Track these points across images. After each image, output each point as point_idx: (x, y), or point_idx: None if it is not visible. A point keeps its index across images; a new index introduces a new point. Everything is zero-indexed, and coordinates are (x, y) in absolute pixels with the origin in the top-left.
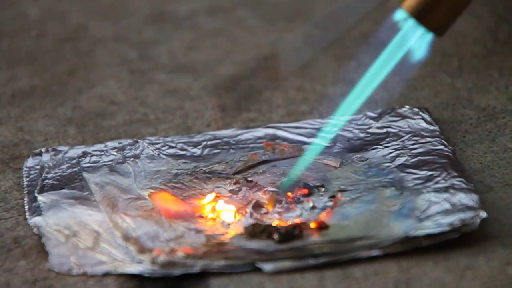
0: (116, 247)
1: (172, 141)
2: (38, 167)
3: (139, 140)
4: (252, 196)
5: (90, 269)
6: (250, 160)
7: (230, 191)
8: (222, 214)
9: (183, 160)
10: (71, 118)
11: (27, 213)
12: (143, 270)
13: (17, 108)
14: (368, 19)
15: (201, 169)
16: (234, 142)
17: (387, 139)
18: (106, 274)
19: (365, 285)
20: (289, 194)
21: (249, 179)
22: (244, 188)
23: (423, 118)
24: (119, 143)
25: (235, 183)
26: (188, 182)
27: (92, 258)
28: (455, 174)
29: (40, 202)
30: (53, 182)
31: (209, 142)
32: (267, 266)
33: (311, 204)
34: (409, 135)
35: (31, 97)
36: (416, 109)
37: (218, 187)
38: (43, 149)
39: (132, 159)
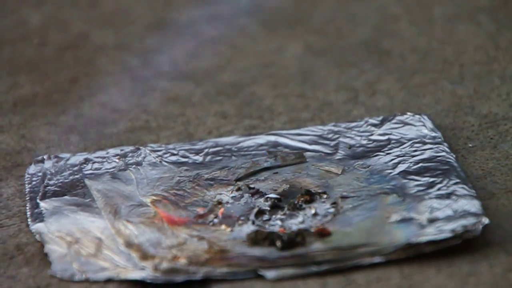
0: (119, 253)
1: (174, 148)
2: (40, 174)
3: (141, 147)
4: (254, 203)
5: (92, 275)
6: (252, 167)
7: (232, 198)
8: (224, 221)
9: (185, 167)
10: (73, 125)
11: (29, 220)
12: (145, 277)
13: (19, 116)
14: (368, 25)
15: (203, 176)
16: (236, 149)
17: (389, 146)
18: (109, 281)
19: None
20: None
21: (251, 186)
22: (246, 195)
23: (424, 125)
24: (121, 150)
25: (237, 190)
26: (190, 189)
27: (95, 264)
28: (457, 180)
29: (42, 209)
30: (55, 188)
31: (211, 149)
32: (270, 273)
33: (313, 211)
34: (411, 142)
35: (33, 105)
36: (417, 116)
37: (220, 194)
38: (45, 156)
39: (134, 166)
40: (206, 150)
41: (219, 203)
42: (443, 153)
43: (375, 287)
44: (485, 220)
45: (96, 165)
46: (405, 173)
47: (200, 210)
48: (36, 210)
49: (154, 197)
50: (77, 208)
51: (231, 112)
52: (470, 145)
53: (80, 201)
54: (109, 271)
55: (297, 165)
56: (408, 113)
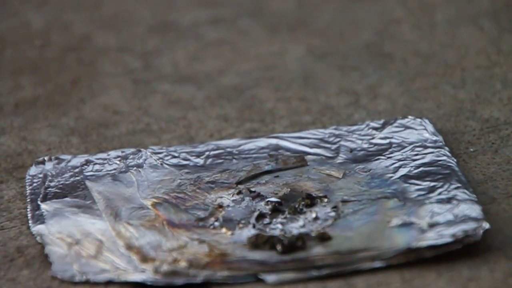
0: (119, 256)
1: (175, 151)
2: (41, 175)
3: (142, 150)
4: (255, 207)
5: (93, 276)
6: (253, 170)
7: (233, 201)
8: (225, 224)
9: (186, 170)
10: (74, 128)
11: (30, 221)
12: (145, 279)
13: (20, 117)
14: (370, 29)
15: (204, 179)
16: (237, 152)
17: (390, 150)
18: (109, 283)
19: None
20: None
21: (252, 189)
22: (247, 198)
23: (426, 129)
24: (122, 151)
25: (238, 193)
26: (191, 192)
27: (95, 266)
28: (458, 185)
29: (43, 211)
30: (56, 190)
31: (212, 152)
32: (270, 277)
33: (314, 215)
34: (412, 146)
35: (35, 106)
36: (419, 120)
37: (221, 197)
38: (46, 158)
39: (135, 168)
40: (207, 153)
41: (220, 206)
42: (444, 157)
43: None
44: (486, 225)
45: (97, 167)
46: (406, 177)
47: (201, 213)
48: (37, 212)
49: (154, 200)
50: (78, 210)
51: (232, 115)
52: (471, 149)
53: (81, 203)
54: (110, 273)
55: (298, 169)
56: (410, 117)
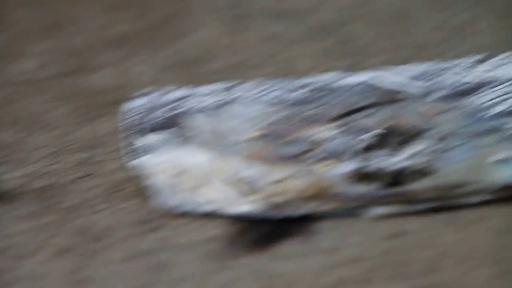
0: (222, 188)
1: (271, 86)
2: (139, 109)
3: (239, 84)
4: (355, 141)
5: (194, 208)
6: (352, 104)
7: (334, 135)
8: (327, 158)
9: (285, 104)
10: (169, 63)
11: (129, 155)
12: (249, 212)
13: (116, 53)
14: None
15: (303, 114)
16: (334, 87)
17: (491, 85)
18: (212, 215)
19: (471, 230)
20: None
21: (352, 123)
22: (346, 133)
23: None
24: (222, 85)
25: (338, 127)
26: (290, 126)
27: (197, 198)
28: None
29: (142, 144)
30: (155, 123)
31: (309, 87)
32: (372, 211)
33: (415, 150)
34: None
35: (131, 42)
36: None
37: (321, 131)
38: (144, 92)
39: (234, 102)
40: (303, 88)
41: (321, 140)
42: None
43: (478, 226)
44: None
45: (196, 100)
46: (506, 112)
47: (303, 147)
48: (135, 146)
49: (256, 133)
50: (178, 143)
51: (328, 50)
52: None
53: (181, 136)
54: (211, 205)
55: (397, 104)
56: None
